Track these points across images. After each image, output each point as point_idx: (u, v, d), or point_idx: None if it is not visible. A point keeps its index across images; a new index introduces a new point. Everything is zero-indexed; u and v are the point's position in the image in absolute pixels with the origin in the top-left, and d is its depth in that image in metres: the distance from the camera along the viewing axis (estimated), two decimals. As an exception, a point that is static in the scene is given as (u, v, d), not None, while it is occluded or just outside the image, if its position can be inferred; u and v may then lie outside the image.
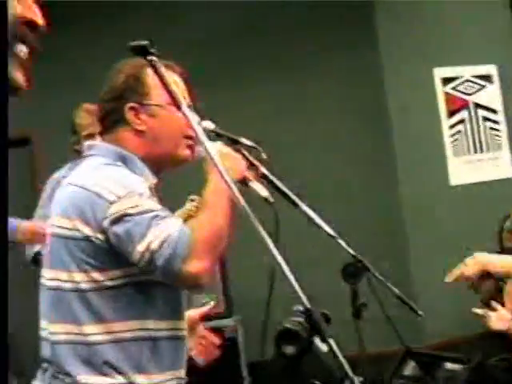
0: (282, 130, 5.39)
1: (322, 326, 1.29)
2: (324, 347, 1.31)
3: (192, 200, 3.02)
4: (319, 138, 5.45)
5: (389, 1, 5.45)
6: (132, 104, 1.94)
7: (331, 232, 2.33)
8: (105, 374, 1.83)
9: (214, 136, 2.56)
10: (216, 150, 1.79)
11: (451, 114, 5.46)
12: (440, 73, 5.46)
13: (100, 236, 1.81)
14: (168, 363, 1.90)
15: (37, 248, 3.50)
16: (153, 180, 1.97)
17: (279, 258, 1.41)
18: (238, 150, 2.49)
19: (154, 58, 1.45)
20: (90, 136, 3.56)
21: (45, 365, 1.91)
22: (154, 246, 1.76)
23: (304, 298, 1.31)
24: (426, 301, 4.91)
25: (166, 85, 1.44)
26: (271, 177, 2.39)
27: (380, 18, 5.44)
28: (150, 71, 1.78)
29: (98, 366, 1.83)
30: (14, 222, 3.26)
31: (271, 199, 2.02)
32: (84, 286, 1.83)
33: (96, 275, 1.83)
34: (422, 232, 5.34)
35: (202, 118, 2.01)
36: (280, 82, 5.45)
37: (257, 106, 5.45)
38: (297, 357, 1.34)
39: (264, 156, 2.51)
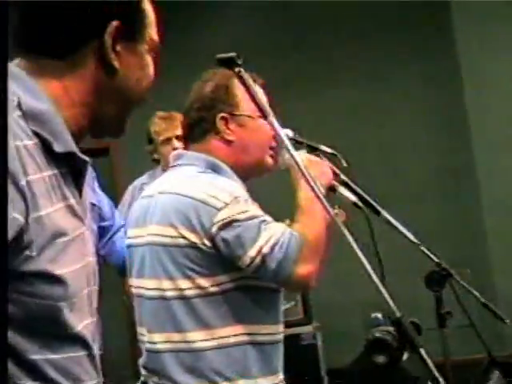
0: (355, 135, 5.37)
1: (412, 335, 1.28)
2: (405, 356, 1.30)
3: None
4: (394, 144, 5.40)
5: (466, 4, 5.36)
6: (223, 114, 1.99)
7: (414, 239, 2.31)
8: (210, 380, 1.85)
9: (294, 143, 2.57)
10: (303, 158, 1.86)
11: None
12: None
13: (207, 242, 1.84)
14: (271, 367, 1.93)
15: None
16: (245, 187, 2.01)
17: (367, 264, 1.40)
18: (317, 157, 2.50)
19: (242, 69, 1.47)
20: (168, 141, 3.63)
21: (145, 374, 1.94)
22: (266, 249, 1.81)
23: (394, 307, 1.29)
24: (509, 310, 4.80)
25: (253, 96, 1.46)
26: (352, 184, 2.38)
27: (458, 22, 5.35)
28: (237, 82, 1.79)
29: (203, 373, 1.85)
30: None
31: (360, 204, 2.09)
32: (189, 292, 1.86)
33: (201, 281, 1.86)
34: (503, 240, 5.22)
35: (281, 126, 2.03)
36: (354, 89, 5.43)
37: (331, 112, 5.44)
38: (387, 365, 1.33)
39: (344, 163, 2.51)
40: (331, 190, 2.05)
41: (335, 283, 4.57)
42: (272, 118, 1.42)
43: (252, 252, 1.81)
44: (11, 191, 1.01)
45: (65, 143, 1.13)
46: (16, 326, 1.06)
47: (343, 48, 5.45)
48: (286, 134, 2.52)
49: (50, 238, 1.08)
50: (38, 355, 1.09)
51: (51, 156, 1.11)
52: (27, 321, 1.08)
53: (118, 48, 1.17)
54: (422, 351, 1.27)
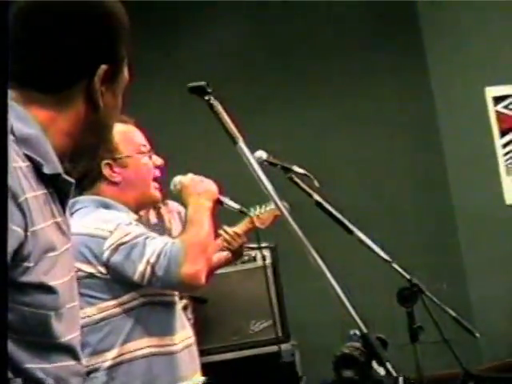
0: (331, 152, 5.43)
1: (378, 350, 1.33)
2: (382, 371, 1.35)
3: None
4: (370, 159, 5.47)
5: (437, 22, 5.47)
6: (107, 161, 2.20)
7: (386, 257, 2.37)
8: None
9: (267, 165, 2.64)
10: (188, 179, 2.22)
11: (503, 133, 5.43)
12: (491, 92, 5.44)
13: (102, 269, 2.04)
14: (176, 375, 2.09)
15: None
16: (134, 216, 2.21)
17: (334, 283, 1.46)
18: (290, 179, 2.56)
19: (211, 97, 1.54)
20: None
21: None
22: (153, 259, 2.01)
23: (360, 323, 1.35)
24: (484, 322, 4.87)
25: (222, 122, 1.52)
26: (325, 204, 2.45)
27: (428, 39, 5.46)
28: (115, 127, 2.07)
29: None
30: None
31: (245, 210, 2.46)
32: (96, 317, 2.05)
33: (104, 305, 2.05)
34: (478, 252, 5.30)
35: (252, 144, 2.15)
36: (329, 105, 5.50)
37: (307, 129, 5.50)
38: (357, 381, 1.38)
39: (316, 183, 2.58)
40: (219, 203, 2.31)
41: (313, 300, 4.61)
42: (241, 144, 1.47)
43: (141, 267, 2.01)
44: (12, 207, 1.11)
45: (52, 165, 1.23)
46: (13, 335, 1.14)
47: (318, 63, 5.51)
48: (259, 155, 2.62)
49: (43, 251, 1.17)
50: (32, 364, 1.17)
51: (41, 177, 1.21)
52: (22, 330, 1.16)
53: (103, 89, 1.28)
54: (389, 365, 1.32)
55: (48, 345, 1.21)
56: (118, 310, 2.03)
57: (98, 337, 2.03)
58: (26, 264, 1.14)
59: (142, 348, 2.03)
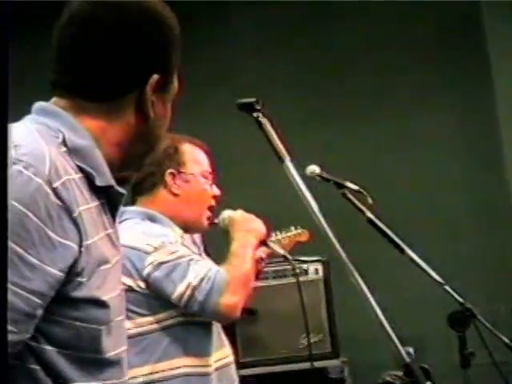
0: (385, 167, 5.36)
1: (420, 379, 1.29)
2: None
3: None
4: (424, 176, 5.37)
5: (503, 35, 5.35)
6: (171, 170, 2.25)
7: (438, 279, 2.31)
8: None
9: (320, 180, 2.60)
10: (238, 214, 2.25)
11: None
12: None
13: (141, 284, 2.05)
14: None
15: None
16: (179, 231, 2.22)
17: (377, 308, 1.42)
18: (343, 194, 2.53)
19: (260, 115, 1.52)
20: None
21: None
22: (194, 282, 2.02)
23: (403, 352, 1.31)
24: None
25: (270, 140, 1.50)
26: (376, 221, 2.40)
27: (493, 52, 5.33)
28: (187, 146, 2.25)
29: None
30: None
31: (289, 256, 2.44)
32: (131, 332, 2.03)
33: (141, 321, 2.06)
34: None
35: (304, 159, 2.14)
36: (383, 120, 5.42)
37: (362, 144, 5.44)
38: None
39: (370, 200, 2.53)
40: (264, 244, 2.32)
41: (365, 316, 4.55)
42: (288, 163, 1.45)
43: (181, 288, 2.02)
44: (67, 222, 1.11)
45: (105, 177, 1.23)
46: (63, 350, 1.14)
47: (375, 79, 5.44)
48: (312, 170, 2.59)
49: (96, 265, 1.17)
50: (80, 382, 1.16)
51: (93, 188, 1.21)
52: (73, 345, 1.15)
53: (153, 98, 1.27)
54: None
55: (96, 360, 1.20)
56: (154, 326, 2.04)
57: (131, 352, 2.02)
58: (79, 279, 1.13)
59: (175, 368, 2.03)
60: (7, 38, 0.90)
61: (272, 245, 2.37)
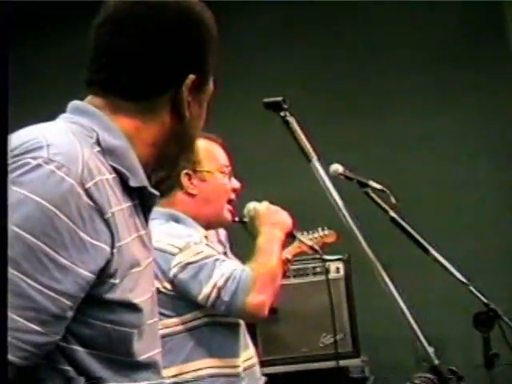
0: (410, 168, 5.32)
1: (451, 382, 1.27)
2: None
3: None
4: (452, 176, 5.33)
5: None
6: (187, 170, 2.23)
7: (463, 279, 2.30)
8: None
9: (343, 179, 2.59)
10: (263, 207, 2.19)
11: None
12: None
13: (167, 285, 2.06)
14: None
15: None
16: (203, 231, 2.22)
17: (405, 309, 1.41)
18: (366, 193, 2.51)
19: (287, 113, 1.51)
20: None
21: None
22: (220, 283, 2.01)
23: (432, 354, 1.29)
24: None
25: (297, 139, 1.49)
26: (400, 221, 2.39)
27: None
28: (200, 142, 2.12)
29: None
30: None
31: (317, 247, 2.44)
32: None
33: (168, 322, 2.05)
34: None
35: (327, 157, 2.12)
36: (407, 120, 5.39)
37: (385, 143, 5.41)
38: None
39: (393, 200, 2.51)
40: (291, 236, 2.31)
41: (386, 316, 4.52)
42: (315, 162, 1.44)
43: (207, 288, 2.02)
44: (99, 224, 1.10)
45: (139, 178, 1.22)
46: (93, 351, 1.13)
47: (399, 78, 5.41)
48: (335, 169, 2.58)
49: (128, 267, 1.16)
50: (114, 381, 1.16)
51: (126, 189, 1.20)
52: (104, 346, 1.15)
53: (189, 98, 1.26)
54: (460, 399, 1.26)
55: (128, 362, 1.19)
56: (180, 327, 2.05)
57: None
58: (112, 281, 1.13)
59: (202, 368, 2.03)
60: (7, 38, 0.90)
61: (299, 236, 2.36)
